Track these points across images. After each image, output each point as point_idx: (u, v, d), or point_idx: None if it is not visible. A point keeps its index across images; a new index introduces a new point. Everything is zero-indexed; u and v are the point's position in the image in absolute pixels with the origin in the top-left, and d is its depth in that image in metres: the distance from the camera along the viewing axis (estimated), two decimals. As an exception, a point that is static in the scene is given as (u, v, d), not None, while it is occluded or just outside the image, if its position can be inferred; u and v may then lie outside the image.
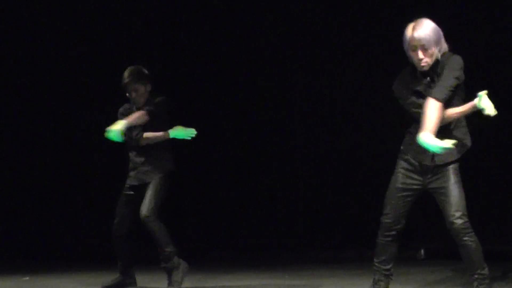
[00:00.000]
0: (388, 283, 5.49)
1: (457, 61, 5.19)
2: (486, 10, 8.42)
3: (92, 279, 7.52)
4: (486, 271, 5.25)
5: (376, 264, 5.46)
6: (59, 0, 9.90)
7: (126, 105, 6.75)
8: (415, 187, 5.32)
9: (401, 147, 5.41)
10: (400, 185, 5.33)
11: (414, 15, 5.31)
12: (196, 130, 6.68)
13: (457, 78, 5.17)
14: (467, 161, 8.20)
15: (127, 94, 6.65)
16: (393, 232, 5.37)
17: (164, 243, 6.46)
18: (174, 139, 6.73)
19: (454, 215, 5.16)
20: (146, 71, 6.65)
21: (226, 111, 9.72)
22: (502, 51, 8.37)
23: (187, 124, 6.86)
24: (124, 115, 6.61)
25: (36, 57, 9.93)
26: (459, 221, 5.16)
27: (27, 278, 7.78)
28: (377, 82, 8.42)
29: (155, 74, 6.94)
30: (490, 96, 5.25)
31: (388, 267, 5.45)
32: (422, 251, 8.64)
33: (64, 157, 9.97)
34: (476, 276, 5.23)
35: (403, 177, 5.33)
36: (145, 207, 6.45)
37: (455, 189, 5.20)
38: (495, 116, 5.15)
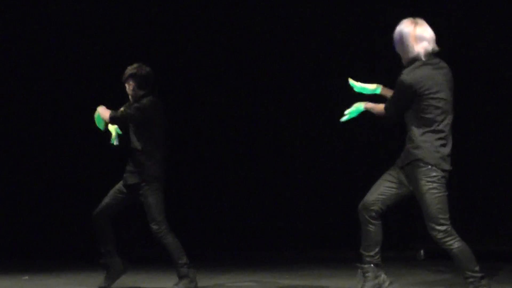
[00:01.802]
0: (376, 272, 5.42)
1: (397, 84, 5.27)
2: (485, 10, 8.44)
3: (91, 279, 7.51)
4: (478, 270, 5.19)
5: (361, 252, 5.44)
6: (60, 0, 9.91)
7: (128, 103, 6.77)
8: (400, 180, 5.35)
9: None
10: (389, 172, 5.41)
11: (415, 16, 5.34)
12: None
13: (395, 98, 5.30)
14: (466, 162, 8.29)
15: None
16: (369, 215, 5.36)
17: (178, 256, 6.52)
18: (173, 142, 6.71)
19: (429, 226, 5.20)
20: (144, 71, 6.62)
21: (225, 112, 9.72)
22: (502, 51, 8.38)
23: (187, 127, 6.86)
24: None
25: (36, 56, 9.93)
26: (434, 233, 5.18)
27: (27, 277, 7.77)
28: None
29: (156, 76, 6.89)
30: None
31: (372, 253, 5.40)
32: (422, 252, 8.63)
33: (63, 157, 9.97)
34: (471, 279, 5.19)
35: (395, 168, 5.40)
36: (151, 222, 6.48)
37: (427, 199, 5.19)
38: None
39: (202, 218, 9.71)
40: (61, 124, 9.90)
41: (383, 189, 5.39)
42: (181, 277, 6.52)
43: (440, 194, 5.18)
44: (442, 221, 5.15)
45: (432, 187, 5.17)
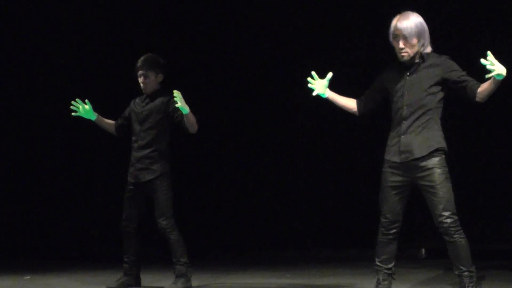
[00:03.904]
0: (391, 282, 5.50)
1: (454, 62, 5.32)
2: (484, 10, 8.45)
3: (92, 279, 7.52)
4: (474, 269, 5.27)
5: (378, 263, 5.47)
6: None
7: (138, 100, 6.73)
8: (403, 183, 5.35)
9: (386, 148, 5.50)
10: (389, 184, 5.37)
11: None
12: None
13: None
14: (465, 161, 8.29)
15: (138, 79, 6.63)
16: (393, 230, 5.41)
17: (181, 254, 6.51)
18: (173, 142, 6.69)
19: (443, 215, 5.20)
20: (162, 61, 6.63)
21: (227, 111, 9.72)
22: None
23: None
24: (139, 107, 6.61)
25: (36, 55, 9.93)
26: (449, 220, 5.20)
27: (28, 277, 7.78)
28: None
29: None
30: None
31: (390, 266, 5.47)
32: (423, 250, 8.64)
33: (63, 157, 9.97)
34: (466, 273, 5.24)
35: (390, 175, 5.38)
36: (161, 217, 6.46)
37: (443, 187, 5.21)
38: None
39: (203, 218, 9.71)
40: (61, 124, 9.89)
41: (397, 200, 5.37)
42: (178, 276, 6.51)
43: (451, 184, 5.25)
44: (455, 210, 5.21)
45: (447, 174, 5.24)
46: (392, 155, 5.37)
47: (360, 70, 8.84)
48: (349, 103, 5.65)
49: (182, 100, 6.22)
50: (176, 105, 6.24)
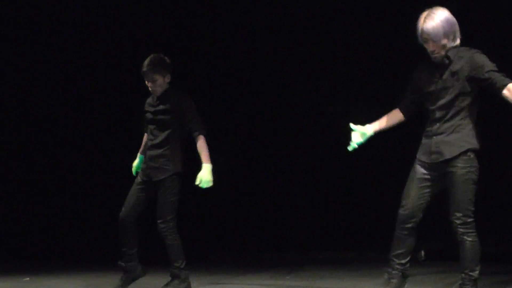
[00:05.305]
0: (401, 281, 5.42)
1: (484, 56, 5.24)
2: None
3: (92, 280, 7.52)
4: (475, 274, 5.24)
5: (392, 258, 5.42)
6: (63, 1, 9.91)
7: (150, 99, 6.69)
8: (433, 178, 5.32)
9: None
10: (419, 176, 5.36)
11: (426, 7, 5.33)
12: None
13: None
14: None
15: (146, 83, 6.60)
16: (410, 225, 5.36)
17: (175, 258, 6.50)
18: (184, 141, 6.70)
19: (454, 215, 5.21)
20: (167, 61, 6.55)
21: (227, 112, 9.72)
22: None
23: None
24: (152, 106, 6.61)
25: (36, 55, 9.92)
26: (458, 222, 5.20)
27: (27, 278, 7.77)
28: (381, 84, 8.44)
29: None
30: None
31: (403, 261, 5.40)
32: (423, 252, 8.63)
33: (64, 157, 9.97)
34: (463, 275, 5.24)
35: (421, 169, 5.36)
36: (159, 219, 6.47)
37: (459, 189, 5.20)
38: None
39: (203, 220, 9.70)
40: (61, 125, 9.90)
41: (421, 194, 5.34)
42: (172, 278, 6.52)
43: (475, 185, 5.23)
44: (468, 212, 5.19)
45: (472, 175, 5.22)
46: (422, 154, 5.37)
47: (363, 70, 8.86)
48: (395, 120, 5.61)
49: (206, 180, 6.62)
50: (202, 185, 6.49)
